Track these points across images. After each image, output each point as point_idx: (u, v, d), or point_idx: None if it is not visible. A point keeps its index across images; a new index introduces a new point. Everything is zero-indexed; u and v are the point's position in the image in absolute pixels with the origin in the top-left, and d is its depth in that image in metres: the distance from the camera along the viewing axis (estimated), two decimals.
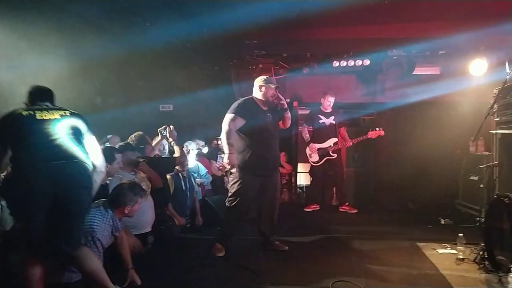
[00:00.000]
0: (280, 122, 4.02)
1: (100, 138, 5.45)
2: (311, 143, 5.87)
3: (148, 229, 3.77)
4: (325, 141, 5.79)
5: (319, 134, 5.86)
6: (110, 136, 5.40)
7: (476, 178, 5.19)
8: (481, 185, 4.46)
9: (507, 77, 3.84)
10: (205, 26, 4.95)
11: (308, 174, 6.50)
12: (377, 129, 5.62)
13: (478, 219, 4.56)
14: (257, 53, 6.45)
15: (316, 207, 5.96)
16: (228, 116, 3.76)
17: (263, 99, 3.87)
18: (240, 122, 3.74)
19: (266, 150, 3.80)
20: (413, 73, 6.06)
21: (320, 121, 5.84)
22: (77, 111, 2.75)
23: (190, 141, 5.82)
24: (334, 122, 5.84)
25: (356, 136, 5.80)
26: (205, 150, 6.38)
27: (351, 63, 6.26)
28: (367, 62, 6.22)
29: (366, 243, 4.23)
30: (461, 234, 3.70)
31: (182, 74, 6.66)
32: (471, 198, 5.30)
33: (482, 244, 3.46)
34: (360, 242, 4.27)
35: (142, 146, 4.26)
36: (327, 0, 4.19)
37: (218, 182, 6.06)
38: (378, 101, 6.57)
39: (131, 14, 4.61)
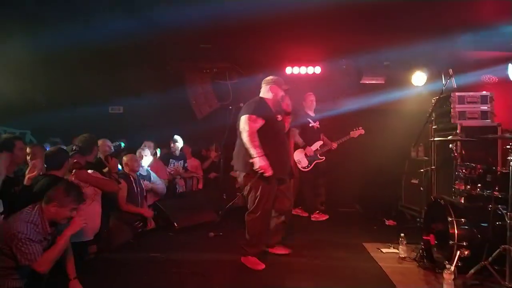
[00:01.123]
0: None
1: (44, 140, 5.14)
2: (299, 149, 5.72)
3: (89, 237, 3.52)
4: (311, 145, 5.72)
5: (306, 139, 5.72)
6: (55, 139, 5.08)
7: (416, 181, 5.56)
8: (421, 188, 4.79)
9: (443, 88, 4.19)
10: (157, 25, 4.84)
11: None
12: (357, 128, 5.74)
13: (418, 219, 4.89)
14: (211, 56, 6.43)
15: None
16: (247, 117, 3.45)
17: (273, 100, 3.69)
18: (260, 122, 3.48)
19: (283, 153, 3.65)
20: (361, 82, 6.36)
21: (310, 125, 5.77)
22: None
23: (144, 147, 5.60)
24: (319, 126, 5.83)
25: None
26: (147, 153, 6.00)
27: (304, 70, 6.45)
28: (318, 69, 6.44)
29: (315, 244, 4.39)
30: (402, 234, 3.94)
31: (133, 74, 6.47)
32: (412, 200, 5.67)
33: (421, 243, 3.71)
34: (310, 243, 4.42)
35: (80, 147, 3.90)
36: (281, 8, 4.28)
37: (170, 186, 5.93)
38: (328, 108, 6.81)
39: (76, 9, 4.40)
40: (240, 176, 3.66)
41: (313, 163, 5.68)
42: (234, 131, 6.75)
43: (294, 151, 5.78)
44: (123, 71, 6.36)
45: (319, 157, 5.73)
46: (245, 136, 3.45)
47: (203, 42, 5.83)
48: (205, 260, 3.75)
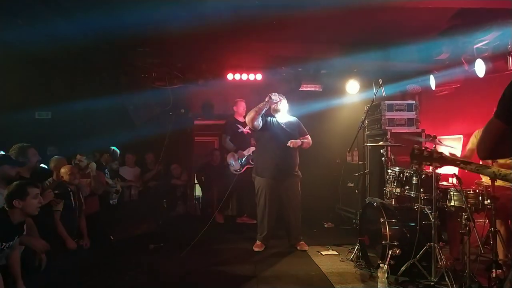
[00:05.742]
0: None
1: None
2: (233, 152, 5.77)
3: None
4: (244, 150, 5.74)
5: (238, 144, 5.77)
6: None
7: (352, 184, 5.84)
8: (356, 191, 5.03)
9: (374, 96, 4.45)
10: (90, 29, 4.57)
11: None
12: None
13: (354, 221, 5.13)
14: (150, 61, 6.21)
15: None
16: None
17: None
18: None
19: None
20: (300, 89, 6.56)
21: (239, 130, 5.81)
22: None
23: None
24: (250, 131, 5.77)
25: None
26: None
27: (245, 77, 6.50)
28: (259, 76, 6.53)
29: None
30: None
31: (63, 79, 6.03)
32: (348, 203, 5.94)
33: (357, 244, 3.90)
34: (252, 248, 4.43)
35: (23, 160, 3.64)
36: (223, 16, 4.28)
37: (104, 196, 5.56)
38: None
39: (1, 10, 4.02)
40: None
41: (245, 167, 5.73)
42: (175, 137, 6.64)
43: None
44: (52, 75, 5.91)
45: (251, 162, 5.72)
46: None
47: (140, 46, 5.62)
48: (144, 282, 3.52)
